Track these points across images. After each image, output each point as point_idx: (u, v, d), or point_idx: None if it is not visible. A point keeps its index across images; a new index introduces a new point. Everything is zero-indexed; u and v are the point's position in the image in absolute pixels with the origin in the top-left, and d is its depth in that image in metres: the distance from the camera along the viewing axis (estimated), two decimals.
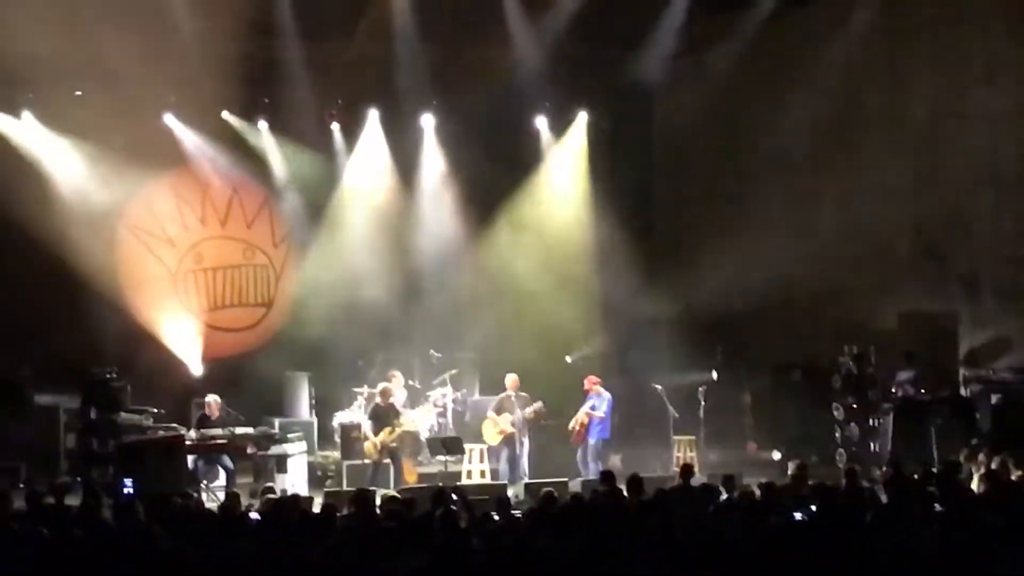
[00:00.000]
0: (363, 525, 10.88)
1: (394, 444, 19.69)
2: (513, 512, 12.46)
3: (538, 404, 20.51)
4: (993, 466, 14.42)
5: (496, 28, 22.70)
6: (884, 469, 16.24)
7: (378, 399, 20.11)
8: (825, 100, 23.39)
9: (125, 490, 15.46)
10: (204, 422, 19.40)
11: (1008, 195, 22.27)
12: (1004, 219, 22.39)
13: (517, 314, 24.29)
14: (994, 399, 20.64)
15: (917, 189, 23.39)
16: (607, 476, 14.67)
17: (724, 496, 13.17)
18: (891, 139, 23.70)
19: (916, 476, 14.06)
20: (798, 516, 11.18)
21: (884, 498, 12.92)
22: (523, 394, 20.62)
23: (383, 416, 19.76)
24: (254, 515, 12.43)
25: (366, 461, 19.85)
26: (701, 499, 12.85)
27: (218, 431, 19.22)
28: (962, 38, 22.32)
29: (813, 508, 11.55)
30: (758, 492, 12.85)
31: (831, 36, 23.24)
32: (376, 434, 19.58)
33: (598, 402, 20.42)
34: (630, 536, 9.62)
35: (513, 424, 20.33)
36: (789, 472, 14.81)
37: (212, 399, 19.76)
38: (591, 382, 20.63)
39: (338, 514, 11.82)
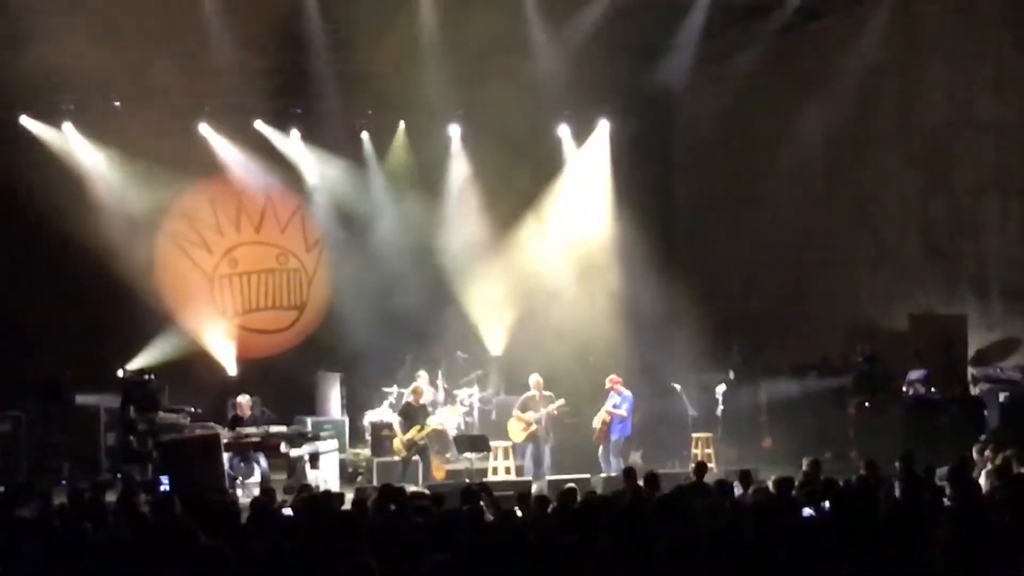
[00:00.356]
0: (391, 520, 10.94)
1: (423, 442, 19.78)
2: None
3: (560, 402, 20.58)
4: (999, 462, 14.40)
5: (520, 39, 22.74)
6: (896, 466, 16.16)
7: (410, 398, 20.19)
8: (839, 107, 23.35)
9: (162, 487, 15.53)
10: (236, 422, 19.49)
11: (1015, 201, 22.27)
12: (1011, 224, 22.38)
13: (541, 315, 24.36)
14: (1002, 397, 20.60)
15: (927, 194, 23.39)
16: (629, 473, 14.72)
17: (739, 492, 13.18)
18: (902, 145, 23.72)
19: (926, 473, 14.06)
20: (807, 512, 11.17)
21: (896, 494, 12.93)
22: (547, 393, 20.69)
23: (413, 415, 19.85)
24: (287, 511, 12.51)
25: (396, 458, 19.93)
26: (717, 495, 12.87)
27: (253, 429, 19.30)
28: (971, 49, 22.27)
29: (826, 504, 11.55)
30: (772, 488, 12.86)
31: (845, 46, 23.20)
32: (405, 432, 19.67)
33: (619, 401, 20.45)
34: (648, 531, 9.65)
35: (537, 422, 20.40)
36: (803, 468, 14.80)
37: (243, 399, 19.84)
38: (613, 382, 20.66)
39: (368, 506, 11.89)
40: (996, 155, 22.45)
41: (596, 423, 20.52)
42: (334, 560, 8.16)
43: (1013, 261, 22.37)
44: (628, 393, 20.53)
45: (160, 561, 8.21)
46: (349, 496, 15.38)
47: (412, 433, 19.65)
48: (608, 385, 20.66)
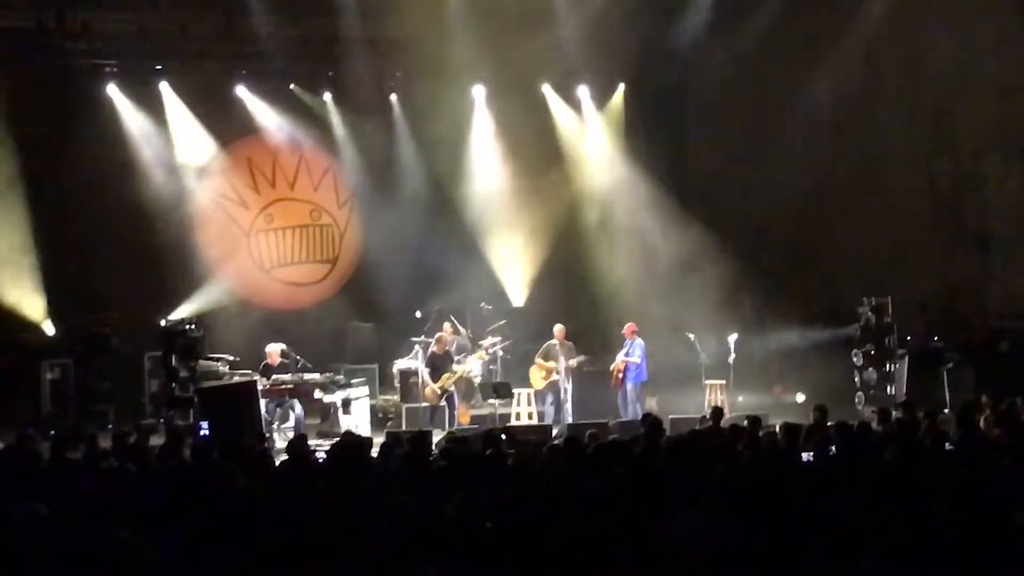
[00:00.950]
0: (419, 463, 10.94)
1: (451, 388, 19.82)
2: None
3: (582, 358, 20.56)
4: (1004, 408, 14.33)
5: (542, 3, 22.67)
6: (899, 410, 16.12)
7: (434, 347, 20.23)
8: (847, 69, 23.26)
9: (202, 432, 15.56)
10: (267, 370, 19.51)
11: (1016, 159, 22.19)
12: (1011, 181, 22.30)
13: (561, 267, 24.33)
14: (1003, 346, 20.58)
15: (932, 153, 23.28)
16: (648, 418, 14.61)
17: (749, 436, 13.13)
18: (908, 106, 23.60)
19: (930, 418, 14.01)
20: (805, 457, 11.10)
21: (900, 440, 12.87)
22: (568, 343, 20.67)
23: (440, 364, 19.92)
24: (320, 455, 12.52)
25: (424, 404, 19.99)
26: (731, 439, 12.84)
27: (288, 377, 19.35)
28: (975, 12, 22.11)
29: (832, 448, 11.49)
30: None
31: (853, 9, 23.06)
32: (435, 380, 19.71)
33: (632, 348, 20.44)
34: (664, 474, 9.62)
35: (558, 371, 20.40)
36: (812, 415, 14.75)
37: (272, 348, 19.85)
38: (629, 329, 20.66)
39: (397, 452, 11.89)
40: (998, 116, 22.35)
41: (612, 370, 20.53)
42: (363, 501, 8.16)
43: (1014, 217, 22.35)
44: (640, 340, 20.52)
45: (199, 501, 8.21)
46: (379, 440, 15.44)
47: (442, 381, 19.70)
48: (624, 332, 20.66)
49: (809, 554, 6.52)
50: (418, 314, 22.91)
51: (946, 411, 17.05)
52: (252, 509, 7.76)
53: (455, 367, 20.11)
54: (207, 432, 15.60)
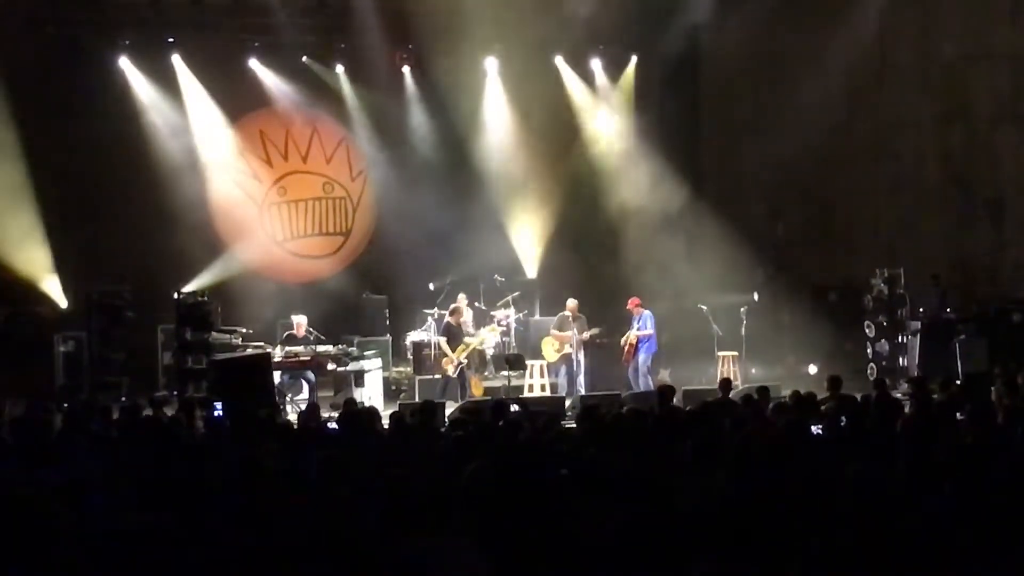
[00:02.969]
0: (429, 433, 10.95)
1: (465, 360, 19.83)
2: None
3: (595, 330, 20.53)
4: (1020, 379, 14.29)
5: None
6: (910, 382, 16.11)
7: (450, 319, 20.24)
8: (860, 38, 23.15)
9: (216, 413, 15.44)
10: (291, 340, 19.59)
11: None
12: None
13: (573, 239, 24.29)
14: (1015, 317, 20.54)
15: (945, 123, 23.21)
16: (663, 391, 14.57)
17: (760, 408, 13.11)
18: (922, 76, 23.54)
19: (943, 387, 13.99)
20: (815, 430, 11.05)
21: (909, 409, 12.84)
22: (581, 315, 20.64)
23: (456, 334, 19.94)
24: (332, 425, 12.54)
25: (437, 376, 20.02)
26: (742, 410, 12.82)
27: (301, 348, 19.41)
28: None
29: (843, 420, 11.45)
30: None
31: None
32: (453, 351, 19.73)
33: (642, 320, 20.41)
34: (675, 444, 9.61)
35: (571, 344, 20.38)
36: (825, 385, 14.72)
37: (299, 319, 20.02)
38: (633, 303, 20.61)
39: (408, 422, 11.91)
40: (1012, 85, 22.28)
41: (623, 343, 20.52)
42: (375, 471, 8.16)
43: None
44: (647, 312, 20.49)
45: (212, 469, 8.23)
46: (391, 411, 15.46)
47: (458, 351, 19.72)
48: (629, 307, 20.64)
49: (811, 521, 6.51)
50: (432, 286, 22.93)
51: (957, 382, 16.97)
52: (263, 476, 7.78)
53: (468, 339, 20.11)
54: (221, 413, 15.47)
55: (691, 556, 5.42)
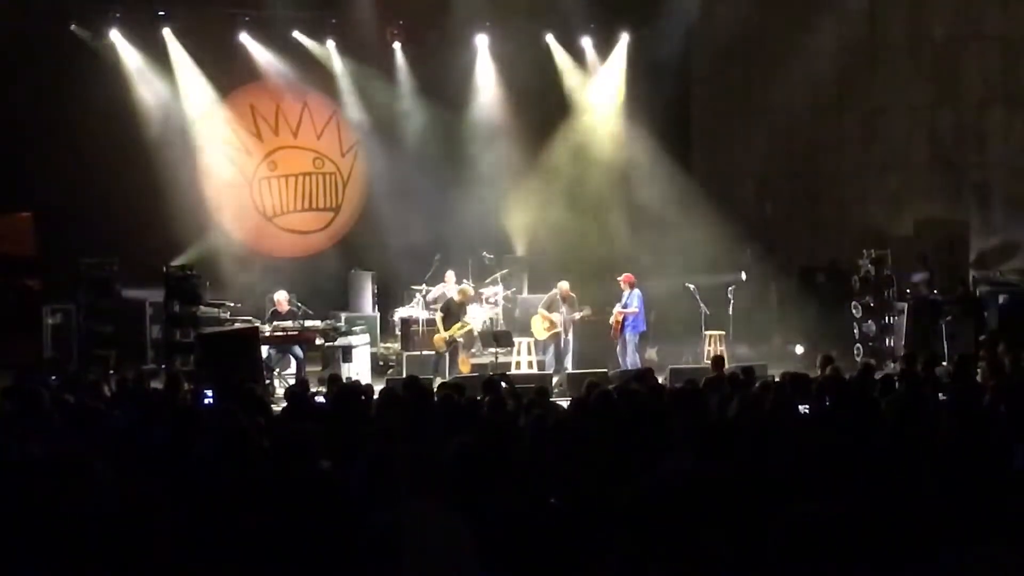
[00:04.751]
0: (417, 407, 10.97)
1: (460, 339, 19.85)
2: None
3: (586, 311, 20.54)
4: (1009, 360, 14.35)
5: None
6: (897, 362, 16.17)
7: (456, 296, 20.25)
8: (851, 20, 23.20)
9: (206, 400, 15.06)
10: (275, 316, 19.59)
11: (1018, 112, 22.17)
12: (1014, 135, 22.29)
13: (561, 219, 24.27)
14: (1001, 299, 20.60)
15: (935, 105, 23.25)
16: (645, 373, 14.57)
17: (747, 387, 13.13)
18: (911, 58, 23.57)
19: (926, 367, 14.03)
20: (803, 409, 11.08)
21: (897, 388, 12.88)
22: (572, 295, 20.63)
23: (456, 312, 19.92)
24: (320, 399, 12.56)
25: (426, 352, 20.05)
26: (730, 389, 12.84)
27: (289, 323, 19.40)
28: None
29: (827, 401, 11.48)
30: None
31: None
32: (447, 328, 19.74)
33: (629, 298, 20.41)
34: (663, 421, 9.63)
35: (560, 323, 20.40)
36: (818, 364, 14.71)
37: (280, 296, 19.96)
38: (625, 280, 20.61)
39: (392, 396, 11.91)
40: (1002, 68, 22.31)
41: (611, 321, 20.54)
42: (361, 445, 8.19)
43: (1015, 170, 22.40)
44: (636, 291, 20.49)
45: (200, 441, 8.24)
46: (379, 387, 15.49)
47: (453, 329, 19.72)
48: (622, 283, 20.64)
49: (793, 496, 6.53)
50: (438, 257, 22.80)
51: (944, 364, 17.03)
52: (251, 447, 7.80)
53: (466, 319, 20.12)
54: (211, 401, 15.10)
55: (673, 532, 5.44)
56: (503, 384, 12.66)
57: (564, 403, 12.86)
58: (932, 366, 14.11)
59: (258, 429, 8.60)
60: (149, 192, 22.02)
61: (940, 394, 11.82)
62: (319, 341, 19.71)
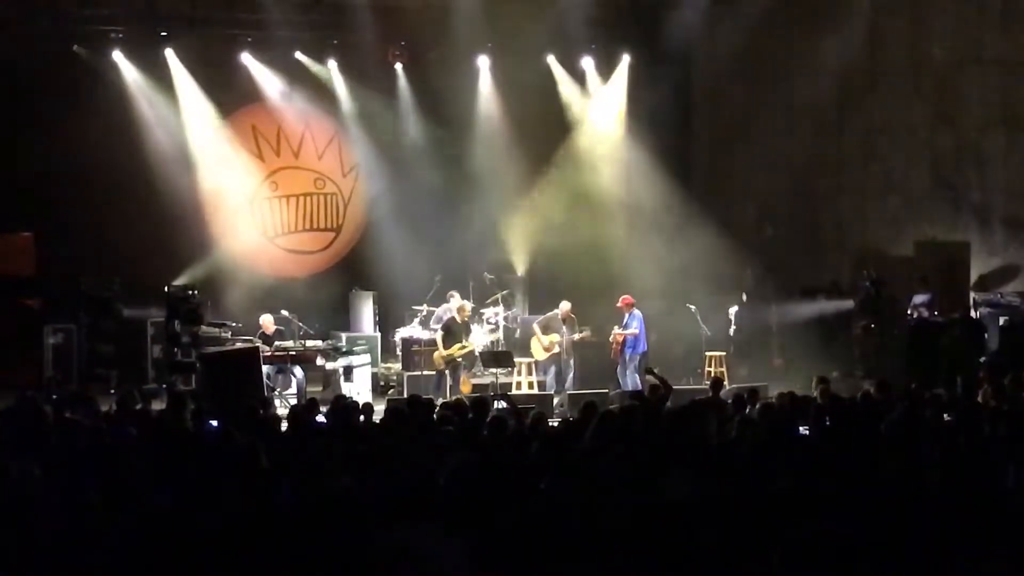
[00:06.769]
0: (419, 427, 11.00)
1: (460, 359, 19.88)
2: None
3: (586, 332, 20.58)
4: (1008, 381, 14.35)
5: None
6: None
7: (455, 315, 20.29)
8: (851, 42, 23.25)
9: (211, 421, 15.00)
10: (265, 339, 19.58)
11: (1019, 135, 22.25)
12: (1014, 157, 22.36)
13: (562, 240, 24.27)
14: (1002, 321, 20.62)
15: (935, 127, 23.33)
16: (640, 395, 14.59)
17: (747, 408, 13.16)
18: (911, 80, 23.64)
19: (927, 390, 14.04)
20: (803, 430, 11.10)
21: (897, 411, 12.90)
22: (572, 317, 20.68)
23: (457, 332, 19.97)
24: (321, 419, 12.58)
25: (425, 372, 20.07)
26: (732, 410, 12.86)
27: (291, 343, 19.44)
28: None
29: (828, 421, 11.51)
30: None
31: None
32: (448, 347, 19.77)
33: (629, 320, 20.42)
34: (663, 442, 9.65)
35: (560, 345, 20.44)
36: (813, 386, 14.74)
37: (265, 319, 20.07)
38: (624, 301, 20.62)
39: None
40: (1002, 91, 22.39)
41: (611, 341, 20.56)
42: (364, 464, 8.22)
43: (1015, 192, 22.46)
44: (637, 312, 20.50)
45: (202, 461, 8.27)
46: (380, 408, 15.51)
47: (453, 349, 19.76)
48: (620, 305, 20.65)
49: (798, 517, 6.57)
50: (439, 277, 22.86)
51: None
52: (252, 468, 7.83)
53: (467, 340, 20.15)
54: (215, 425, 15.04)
55: (673, 552, 5.48)
56: (503, 403, 12.68)
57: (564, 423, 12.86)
58: (931, 388, 14.12)
59: (265, 448, 8.63)
60: (150, 212, 22.07)
61: (944, 414, 11.84)
62: (320, 361, 19.74)
